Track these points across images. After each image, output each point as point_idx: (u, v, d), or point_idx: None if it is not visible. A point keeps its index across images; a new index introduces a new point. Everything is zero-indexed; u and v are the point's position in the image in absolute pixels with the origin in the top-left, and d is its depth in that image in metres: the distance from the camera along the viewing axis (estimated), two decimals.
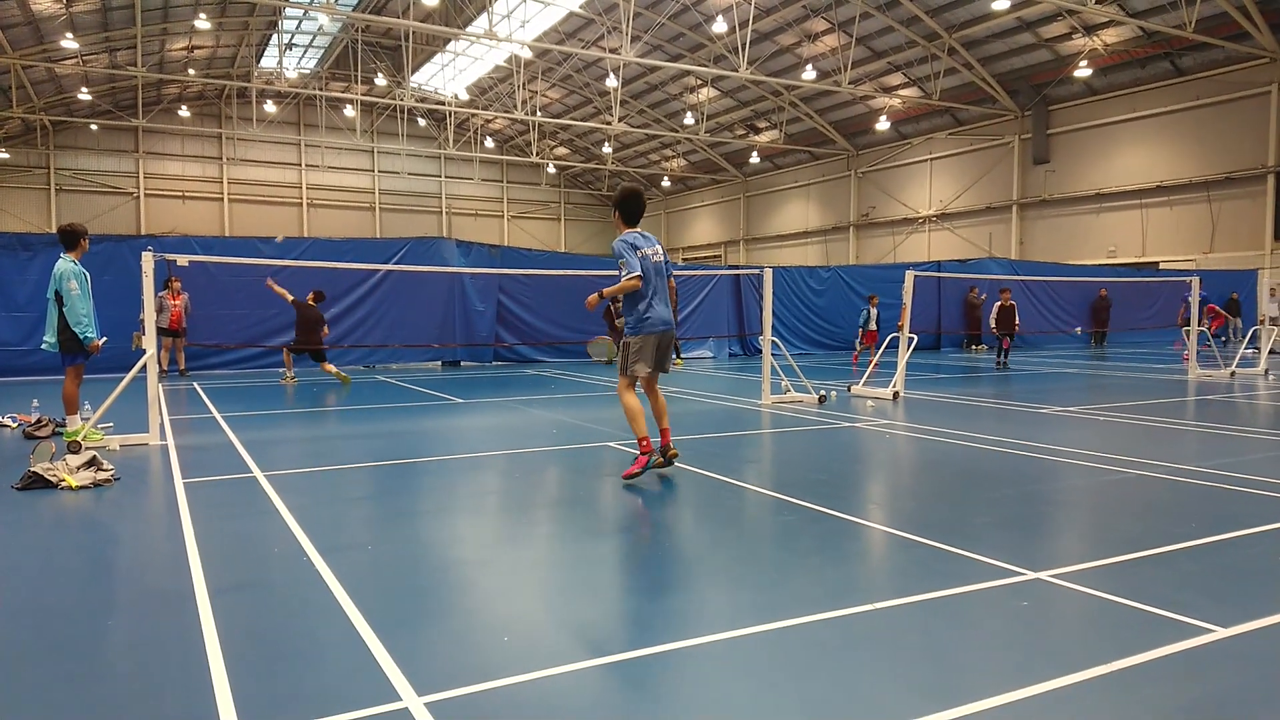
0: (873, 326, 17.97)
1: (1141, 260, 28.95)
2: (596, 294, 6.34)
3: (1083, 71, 28.06)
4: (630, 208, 6.34)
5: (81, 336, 7.60)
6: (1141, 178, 28.93)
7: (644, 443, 6.19)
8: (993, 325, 17.98)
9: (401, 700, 2.82)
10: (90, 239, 8.18)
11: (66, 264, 7.63)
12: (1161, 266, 27.76)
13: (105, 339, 8.07)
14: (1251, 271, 26.21)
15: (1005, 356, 17.54)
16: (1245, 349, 17.20)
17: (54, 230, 36.63)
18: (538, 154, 47.12)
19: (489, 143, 49.39)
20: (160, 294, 14.09)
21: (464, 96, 43.53)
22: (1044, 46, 29.43)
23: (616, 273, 6.21)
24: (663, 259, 6.42)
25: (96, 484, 6.14)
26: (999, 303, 17.89)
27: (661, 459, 6.30)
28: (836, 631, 3.45)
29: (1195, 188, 27.64)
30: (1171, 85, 28.02)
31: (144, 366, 7.95)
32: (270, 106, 42.88)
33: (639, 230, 6.37)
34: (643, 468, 6.16)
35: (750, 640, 3.35)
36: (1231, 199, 26.88)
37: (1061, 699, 2.84)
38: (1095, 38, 27.88)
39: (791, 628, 3.45)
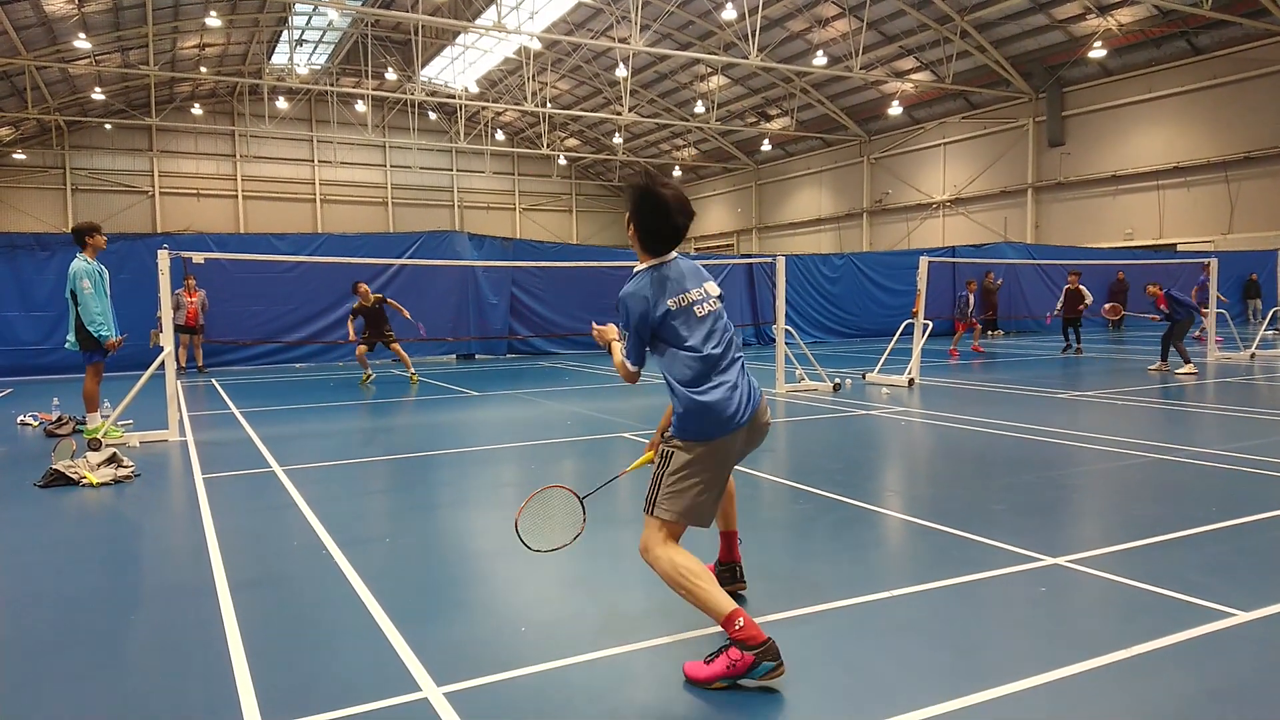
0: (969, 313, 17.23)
1: (1159, 242, 28.65)
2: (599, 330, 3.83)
3: (1097, 52, 27.71)
4: (652, 221, 3.27)
5: (96, 335, 7.67)
6: (1158, 159, 28.60)
7: (733, 617, 2.94)
8: (1058, 310, 17.65)
9: (421, 691, 2.84)
10: (106, 237, 8.23)
11: (80, 263, 7.71)
12: (1179, 248, 27.46)
13: (125, 335, 8.13)
14: (1271, 252, 25.85)
15: (1078, 340, 17.18)
16: (1266, 330, 17.00)
17: (70, 230, 36.99)
18: (548, 146, 47.09)
19: (499, 135, 49.37)
20: (176, 291, 14.20)
21: (474, 89, 43.54)
22: (1057, 27, 29.10)
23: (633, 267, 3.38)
24: (718, 308, 3.34)
25: (117, 480, 6.21)
26: (1067, 286, 17.52)
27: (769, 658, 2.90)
28: (854, 619, 3.44)
29: (1213, 168, 27.29)
30: (1188, 64, 27.65)
31: (162, 364, 8.02)
32: (282, 103, 43.01)
33: (673, 257, 3.36)
34: (736, 675, 2.89)
35: (767, 628, 3.34)
36: (1250, 179, 26.53)
37: (1081, 684, 2.83)
38: (1109, 18, 27.53)
39: (809, 615, 3.45)
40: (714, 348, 3.23)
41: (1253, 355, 14.87)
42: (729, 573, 3.74)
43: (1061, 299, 17.64)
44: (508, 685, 2.90)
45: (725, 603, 2.99)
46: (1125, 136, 29.61)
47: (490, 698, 2.82)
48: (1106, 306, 16.90)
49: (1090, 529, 4.87)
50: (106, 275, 7.97)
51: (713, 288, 3.37)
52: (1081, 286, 17.43)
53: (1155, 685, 2.83)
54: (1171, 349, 12.96)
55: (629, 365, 3.42)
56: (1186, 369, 12.52)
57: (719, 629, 3.08)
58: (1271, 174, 26.00)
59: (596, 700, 2.81)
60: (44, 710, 2.82)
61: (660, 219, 3.25)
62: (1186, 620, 3.32)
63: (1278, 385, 11.43)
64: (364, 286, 12.81)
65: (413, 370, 13.19)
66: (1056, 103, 31.36)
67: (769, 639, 2.90)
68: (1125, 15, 27.35)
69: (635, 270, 3.35)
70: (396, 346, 13.08)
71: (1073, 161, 31.35)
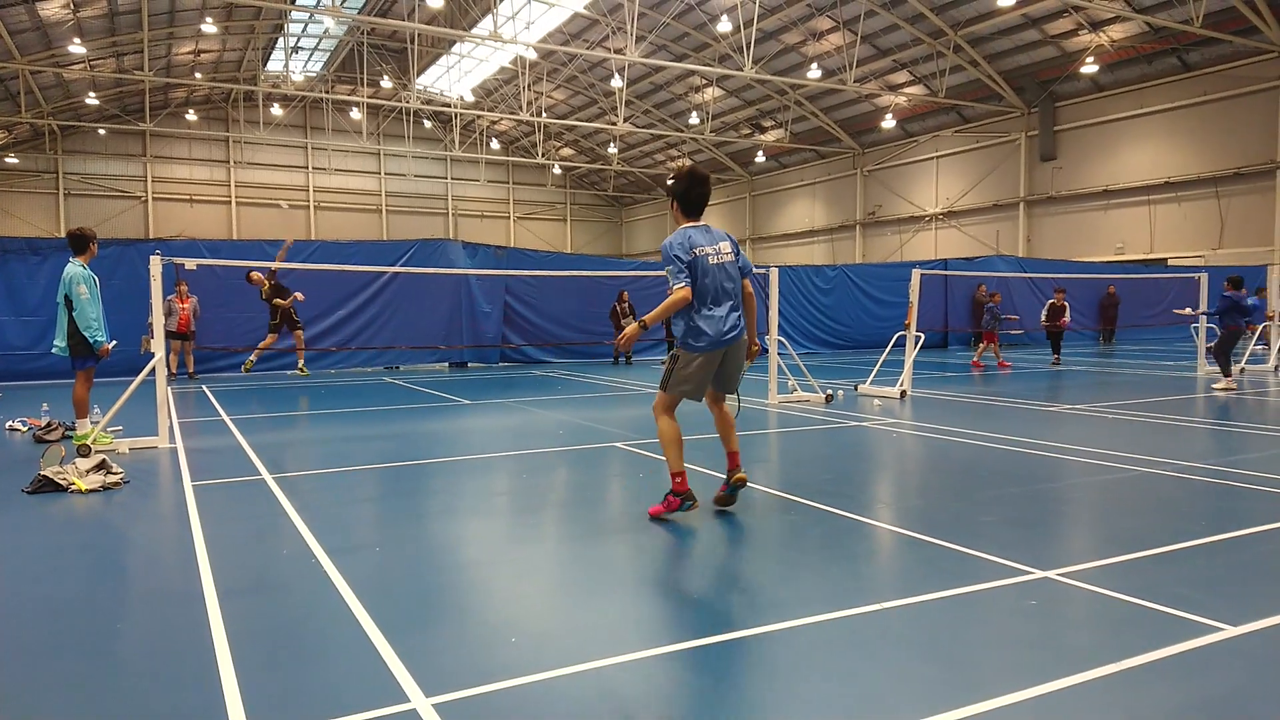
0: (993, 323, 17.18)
1: (1150, 257, 28.82)
2: (638, 324, 5.05)
3: (1089, 68, 27.93)
4: (691, 195, 5.14)
5: (91, 340, 7.64)
6: (1149, 174, 28.80)
7: (679, 479, 5.16)
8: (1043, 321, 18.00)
9: (410, 701, 2.83)
10: (99, 243, 8.23)
11: (75, 268, 7.67)
12: (1170, 263, 27.63)
13: (114, 342, 8.11)
14: (1261, 268, 26.06)
15: (1056, 352, 17.61)
16: (1255, 345, 17.11)
17: (63, 235, 36.85)
18: (543, 155, 47.17)
19: (494, 144, 49.46)
20: (169, 297, 14.17)
21: (469, 98, 43.61)
22: (1050, 43, 29.33)
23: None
24: (733, 256, 5.20)
25: (106, 487, 6.17)
26: (1052, 301, 17.86)
27: (714, 498, 5.37)
28: (843, 631, 3.44)
29: (1204, 183, 27.50)
30: (1179, 81, 27.89)
31: (153, 370, 7.99)
32: (277, 110, 43.05)
33: (701, 224, 5.19)
34: (672, 509, 5.18)
35: (757, 640, 3.35)
36: (1240, 195, 26.74)
37: (1070, 698, 2.84)
38: (1101, 34, 27.77)
39: (798, 627, 3.45)
40: (711, 288, 5.05)
41: (1242, 370, 14.95)
42: (727, 480, 5.38)
43: (1046, 311, 17.85)
44: (497, 696, 2.89)
45: (679, 465, 5.16)
46: (1117, 151, 29.82)
47: (479, 709, 2.81)
48: (1042, 317, 17.28)
49: (1080, 542, 4.88)
50: (98, 281, 7.95)
51: (726, 246, 5.18)
52: (1066, 304, 17.71)
53: (1144, 699, 2.83)
54: (1213, 358, 12.65)
55: (679, 290, 4.95)
56: (1224, 384, 12.38)
57: (706, 642, 3.20)
58: (1261, 190, 26.21)
59: (587, 712, 2.80)
60: (30, 717, 2.79)
61: (698, 194, 5.15)
62: (1175, 635, 3.33)
63: (1267, 400, 11.49)
64: (255, 275, 13.60)
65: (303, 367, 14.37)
66: (1049, 117, 31.59)
67: (689, 490, 5.17)
68: (1117, 31, 27.59)
69: (673, 233, 5.18)
70: (299, 333, 14.20)
71: (1064, 176, 31.56)
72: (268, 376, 15.61)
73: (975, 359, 17.31)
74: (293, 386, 13.83)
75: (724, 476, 5.43)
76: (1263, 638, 3.32)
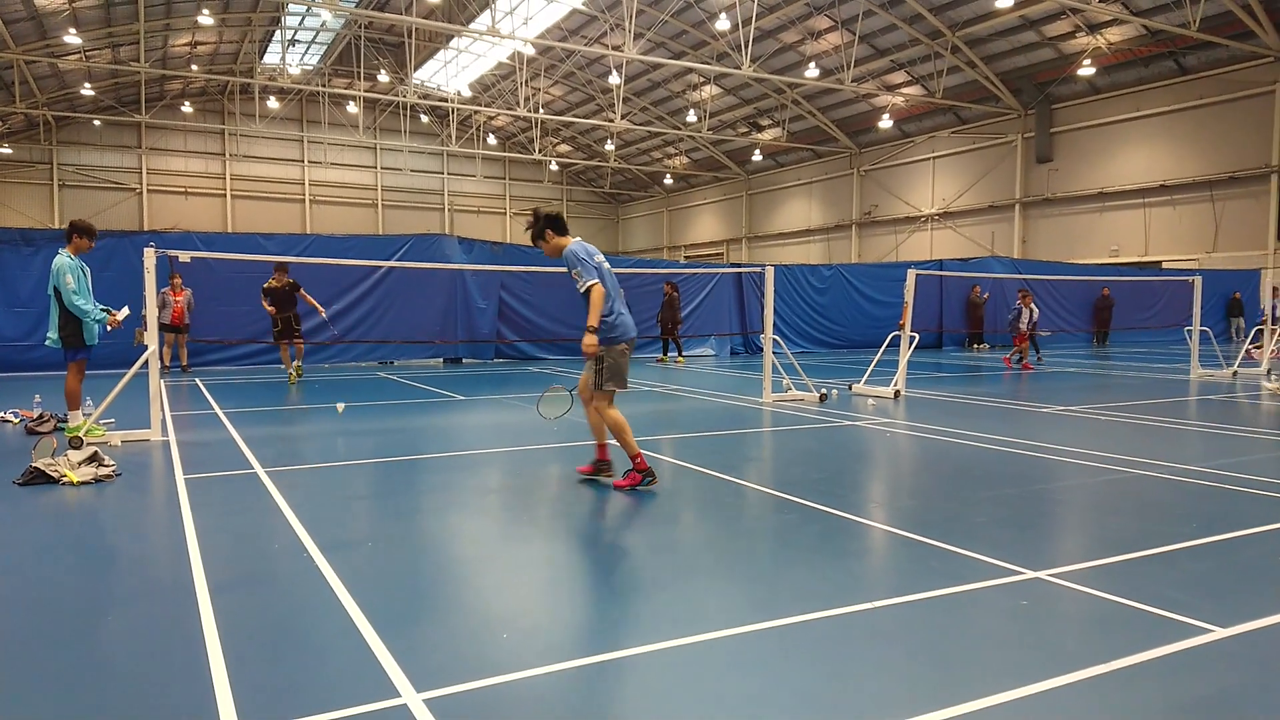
0: (1023, 327, 17.04)
1: (1144, 260, 28.92)
2: (589, 333, 5.63)
3: (1086, 70, 28.00)
4: (559, 218, 6.00)
5: (93, 319, 7.63)
6: (1144, 177, 28.88)
7: (638, 459, 5.88)
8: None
9: (400, 696, 2.83)
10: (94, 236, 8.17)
11: (62, 258, 7.66)
12: (1164, 266, 27.72)
13: (126, 310, 8.03)
14: (1255, 271, 26.19)
15: (1036, 351, 17.44)
16: (1248, 347, 17.18)
17: (57, 226, 36.71)
18: (540, 151, 47.11)
19: (491, 140, 49.41)
20: (163, 290, 14.11)
21: (467, 93, 43.52)
22: (1047, 45, 29.38)
23: (627, 272, 5.83)
24: (609, 268, 6.02)
25: (98, 480, 6.15)
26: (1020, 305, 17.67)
27: (643, 476, 5.94)
28: (835, 630, 3.45)
29: (1198, 187, 27.59)
30: (1175, 84, 27.97)
31: (146, 362, 7.96)
32: (273, 103, 42.89)
33: (579, 239, 5.97)
34: (635, 485, 5.87)
35: (749, 638, 3.35)
36: (1235, 198, 26.84)
37: (1060, 698, 2.85)
38: (1099, 36, 27.82)
39: (790, 626, 3.46)
40: (613, 290, 5.88)
41: (1235, 373, 15.01)
42: (604, 466, 6.16)
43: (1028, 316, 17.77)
44: (488, 692, 2.89)
45: (636, 448, 5.89)
46: (1112, 154, 29.90)
47: (470, 704, 2.80)
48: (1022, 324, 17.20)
49: (1071, 543, 4.90)
50: (89, 272, 7.92)
51: (604, 259, 5.98)
52: (1033, 305, 17.70)
53: (1133, 700, 2.84)
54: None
55: (595, 286, 5.65)
56: (1276, 385, 12.18)
57: (699, 639, 3.19)
58: (1255, 194, 26.31)
59: (578, 708, 2.80)
60: (19, 711, 2.78)
61: (555, 214, 6.03)
62: (1165, 636, 3.34)
63: (1259, 403, 11.54)
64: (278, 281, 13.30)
65: (299, 367, 13.60)
66: (1045, 119, 31.65)
67: (650, 468, 5.91)
68: (1114, 34, 27.65)
69: (572, 241, 5.92)
70: (299, 341, 13.61)
71: (1060, 178, 31.63)
72: (261, 371, 15.58)
73: (1018, 360, 17.25)
74: (286, 381, 13.79)
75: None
76: (1251, 639, 3.33)
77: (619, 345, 5.87)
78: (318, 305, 13.41)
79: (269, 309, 13.38)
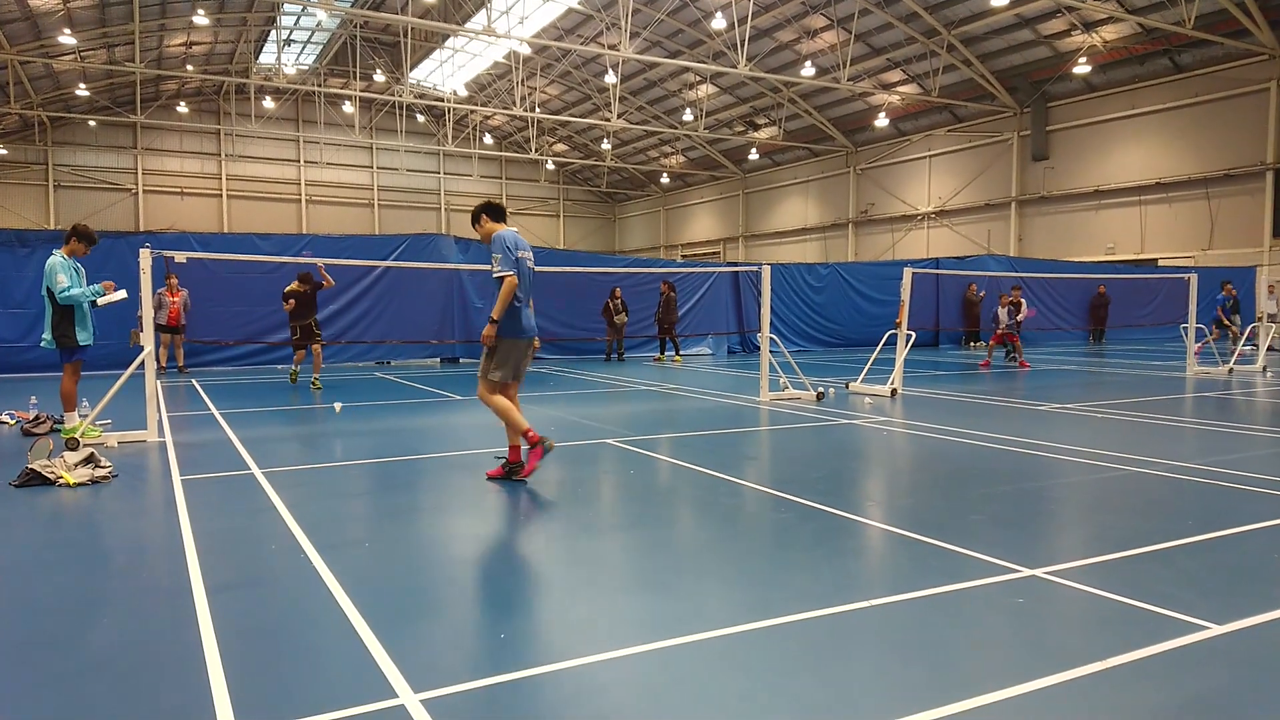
0: (1001, 325, 17.03)
1: (1140, 257, 28.96)
2: (489, 325, 5.97)
3: (1082, 68, 28.02)
4: (495, 207, 6.27)
5: (92, 297, 7.63)
6: (1140, 174, 28.92)
7: (530, 434, 6.01)
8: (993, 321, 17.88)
9: (398, 697, 2.83)
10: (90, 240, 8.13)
11: (55, 258, 7.66)
12: (1160, 263, 27.77)
13: (124, 293, 7.97)
14: (1250, 268, 26.23)
15: (1018, 351, 17.45)
16: (1243, 345, 17.22)
17: (52, 227, 36.63)
18: (536, 150, 47.07)
19: (488, 139, 49.34)
20: (159, 290, 14.09)
21: (463, 93, 43.48)
22: (1043, 43, 29.41)
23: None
24: (532, 266, 6.22)
25: (94, 481, 6.14)
26: (1010, 300, 17.69)
27: (549, 444, 6.09)
28: (832, 628, 3.45)
29: (1194, 184, 27.64)
30: (1170, 82, 28.01)
31: (142, 363, 7.95)
32: (269, 103, 42.83)
33: (513, 227, 6.19)
34: (540, 457, 6.05)
35: (746, 637, 3.36)
36: (1230, 196, 26.88)
37: (1057, 696, 2.85)
38: (1094, 34, 27.85)
39: (787, 624, 3.46)
40: (525, 287, 6.11)
41: (1230, 370, 15.04)
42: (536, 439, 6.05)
43: (1021, 313, 17.79)
44: (486, 692, 2.89)
45: (525, 423, 6.01)
46: (1108, 152, 29.94)
47: (468, 704, 2.80)
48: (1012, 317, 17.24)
49: (1067, 541, 4.91)
50: (83, 272, 7.91)
51: (531, 256, 6.24)
52: (1023, 301, 17.73)
53: (1129, 698, 2.85)
54: None
55: (509, 277, 5.89)
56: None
57: (695, 639, 3.20)
58: (1250, 191, 26.35)
59: (575, 708, 2.80)
60: (17, 713, 2.78)
61: (494, 203, 6.30)
62: (1161, 633, 3.35)
63: (1255, 400, 11.57)
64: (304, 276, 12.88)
65: (316, 380, 13.08)
66: (1041, 117, 31.67)
67: (544, 438, 5.99)
68: (1109, 32, 27.68)
69: (503, 229, 6.10)
70: (317, 347, 13.09)
71: (1056, 176, 31.66)
72: (257, 371, 15.56)
73: (1020, 360, 17.25)
74: (282, 382, 13.78)
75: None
76: (1248, 637, 3.34)
77: (521, 341, 6.11)
78: (328, 277, 13.10)
79: (287, 308, 13.19)
